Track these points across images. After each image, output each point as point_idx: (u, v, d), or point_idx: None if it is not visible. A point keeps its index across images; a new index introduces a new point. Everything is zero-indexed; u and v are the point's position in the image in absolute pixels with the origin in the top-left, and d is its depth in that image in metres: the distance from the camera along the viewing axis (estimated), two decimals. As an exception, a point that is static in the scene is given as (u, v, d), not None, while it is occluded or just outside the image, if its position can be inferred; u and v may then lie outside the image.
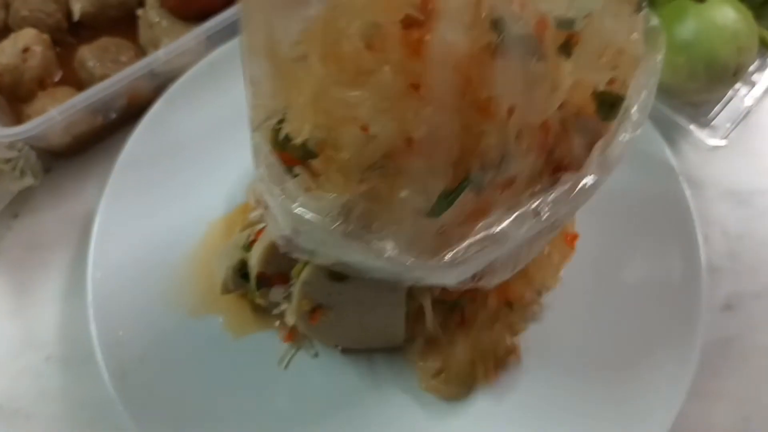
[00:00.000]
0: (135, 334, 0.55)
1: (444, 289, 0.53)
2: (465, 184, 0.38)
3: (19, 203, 0.66)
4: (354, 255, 0.41)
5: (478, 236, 0.38)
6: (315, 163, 0.38)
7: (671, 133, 0.64)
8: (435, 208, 0.38)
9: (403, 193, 0.38)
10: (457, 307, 0.54)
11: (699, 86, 0.61)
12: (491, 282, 0.45)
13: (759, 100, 0.64)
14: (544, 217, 0.39)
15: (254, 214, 0.56)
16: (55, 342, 0.60)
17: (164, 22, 0.70)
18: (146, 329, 0.56)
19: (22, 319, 0.61)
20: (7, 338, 0.60)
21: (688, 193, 0.59)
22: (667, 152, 0.61)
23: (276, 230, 0.45)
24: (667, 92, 0.63)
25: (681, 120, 0.63)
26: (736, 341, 0.59)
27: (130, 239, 0.59)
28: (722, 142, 0.63)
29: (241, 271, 0.54)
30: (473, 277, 0.43)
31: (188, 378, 0.54)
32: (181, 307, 0.57)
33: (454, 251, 0.38)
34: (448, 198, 0.38)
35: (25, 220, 0.66)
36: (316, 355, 0.55)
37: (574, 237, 0.58)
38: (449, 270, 0.40)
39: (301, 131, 0.38)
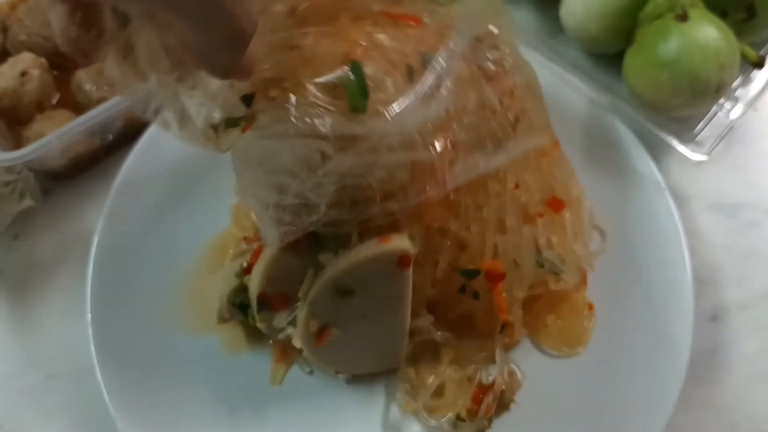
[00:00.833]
0: (134, 353, 0.56)
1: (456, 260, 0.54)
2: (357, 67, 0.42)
3: (19, 224, 0.67)
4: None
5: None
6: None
7: (657, 149, 0.65)
8: (354, 103, 0.42)
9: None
10: (465, 293, 0.55)
11: (683, 102, 0.62)
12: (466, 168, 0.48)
13: (742, 115, 0.65)
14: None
15: (244, 246, 0.57)
16: (56, 361, 0.60)
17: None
18: (145, 348, 0.57)
19: (22, 339, 0.62)
20: (7, 357, 0.61)
21: (674, 206, 0.61)
22: (653, 167, 0.63)
23: (270, 228, 0.47)
24: (651, 108, 0.65)
25: (666, 136, 0.64)
26: (722, 351, 0.61)
27: (128, 259, 0.61)
28: (707, 158, 0.64)
29: (236, 299, 0.55)
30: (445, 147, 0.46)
31: (187, 396, 0.56)
32: (179, 326, 0.58)
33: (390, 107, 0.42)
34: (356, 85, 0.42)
35: (25, 240, 0.67)
36: (311, 372, 0.57)
37: (591, 306, 0.59)
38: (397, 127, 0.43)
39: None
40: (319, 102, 0.41)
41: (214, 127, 0.41)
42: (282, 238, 0.47)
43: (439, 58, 0.45)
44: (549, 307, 0.58)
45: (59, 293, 0.64)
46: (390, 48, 0.45)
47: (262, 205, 0.47)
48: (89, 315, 0.57)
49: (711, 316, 0.62)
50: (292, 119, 0.41)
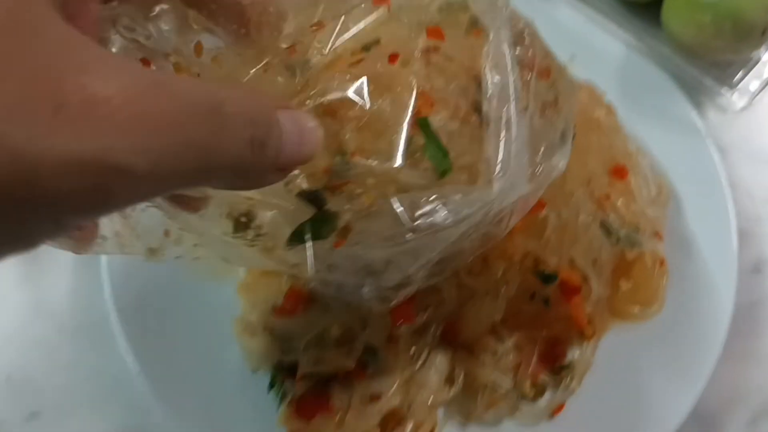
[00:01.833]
0: (151, 299, 0.53)
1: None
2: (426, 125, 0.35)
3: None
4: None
5: None
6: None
7: (695, 96, 0.62)
8: (441, 167, 0.35)
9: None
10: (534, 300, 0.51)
11: (725, 45, 0.60)
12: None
13: (787, 62, 0.63)
14: None
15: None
16: (68, 311, 0.57)
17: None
18: (163, 293, 0.54)
19: (32, 288, 0.58)
20: (17, 308, 0.58)
21: (716, 155, 0.58)
22: (694, 114, 0.60)
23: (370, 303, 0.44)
24: (691, 53, 0.62)
25: (708, 81, 0.62)
26: (764, 303, 0.59)
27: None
28: (748, 105, 0.61)
29: None
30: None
31: (209, 344, 0.53)
32: (199, 270, 0.55)
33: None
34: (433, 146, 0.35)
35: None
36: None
37: (662, 261, 0.55)
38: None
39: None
40: (410, 183, 0.34)
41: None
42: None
43: (492, 78, 0.36)
44: (621, 271, 0.54)
45: (71, 240, 0.61)
46: (446, 83, 0.36)
47: (350, 289, 0.43)
48: (103, 259, 0.53)
49: (753, 269, 0.60)
50: (404, 224, 0.33)
